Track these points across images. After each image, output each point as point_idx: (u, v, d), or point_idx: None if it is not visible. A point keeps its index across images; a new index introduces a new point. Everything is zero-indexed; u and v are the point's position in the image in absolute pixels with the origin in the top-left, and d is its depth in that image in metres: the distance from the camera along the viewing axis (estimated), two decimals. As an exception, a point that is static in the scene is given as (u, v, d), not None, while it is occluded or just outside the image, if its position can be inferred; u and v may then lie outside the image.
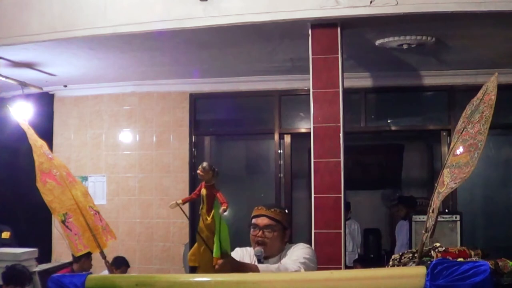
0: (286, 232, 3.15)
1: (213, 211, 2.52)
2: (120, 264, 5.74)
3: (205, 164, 2.56)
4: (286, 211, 3.39)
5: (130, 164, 7.18)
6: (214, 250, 2.49)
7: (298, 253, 3.02)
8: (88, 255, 4.89)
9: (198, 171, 2.54)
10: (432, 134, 7.62)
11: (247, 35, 5.08)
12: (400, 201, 7.64)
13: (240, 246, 3.20)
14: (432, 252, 2.36)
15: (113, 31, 4.93)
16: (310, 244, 4.31)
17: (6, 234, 6.04)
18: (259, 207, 3.17)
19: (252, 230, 3.08)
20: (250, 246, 3.18)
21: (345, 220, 4.74)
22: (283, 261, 2.99)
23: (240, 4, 4.66)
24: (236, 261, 2.72)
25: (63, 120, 7.40)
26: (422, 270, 1.99)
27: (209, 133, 7.77)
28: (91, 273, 2.30)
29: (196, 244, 2.57)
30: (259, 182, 8.36)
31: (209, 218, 2.51)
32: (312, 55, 4.73)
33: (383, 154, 8.79)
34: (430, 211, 2.32)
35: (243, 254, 3.14)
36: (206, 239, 2.51)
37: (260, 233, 3.05)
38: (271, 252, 3.04)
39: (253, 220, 3.11)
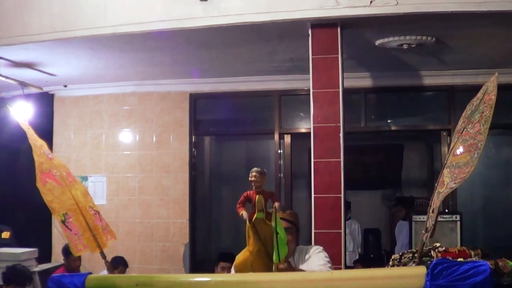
0: (299, 234, 3.14)
1: (273, 216, 2.41)
2: (118, 264, 5.73)
3: (256, 169, 2.44)
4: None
5: (130, 164, 7.18)
6: (275, 255, 2.42)
7: (320, 256, 3.03)
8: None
9: (253, 178, 2.39)
10: (432, 134, 7.61)
11: (247, 35, 5.08)
12: (399, 201, 7.61)
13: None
14: (432, 252, 2.36)
15: (113, 31, 4.93)
16: (310, 243, 4.31)
17: (6, 234, 6.04)
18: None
19: None
20: None
21: (345, 220, 4.74)
22: (307, 266, 2.97)
23: (240, 4, 4.66)
24: (291, 265, 2.70)
25: (63, 120, 7.40)
26: (422, 270, 1.99)
27: (209, 133, 7.78)
28: (91, 273, 2.31)
29: (244, 255, 2.46)
30: (259, 182, 8.33)
31: (269, 222, 2.42)
32: (312, 55, 4.72)
33: (383, 154, 8.78)
34: (430, 211, 2.32)
35: None
36: (266, 245, 2.40)
37: None
38: (288, 255, 2.94)
39: None
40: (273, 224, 2.42)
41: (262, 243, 2.41)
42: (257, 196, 2.42)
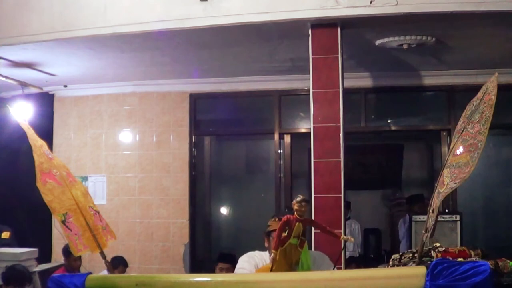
0: None
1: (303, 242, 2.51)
2: (118, 264, 5.73)
3: (303, 197, 2.53)
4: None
5: (130, 164, 7.18)
6: None
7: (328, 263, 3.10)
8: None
9: (303, 208, 2.48)
10: (432, 134, 7.62)
11: (247, 35, 5.08)
12: (409, 202, 6.91)
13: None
14: (432, 252, 2.35)
15: (113, 31, 4.93)
16: (310, 244, 4.31)
17: (6, 234, 6.03)
18: (276, 219, 3.18)
19: None
20: (252, 248, 3.18)
21: (345, 220, 4.74)
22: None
23: (240, 4, 4.66)
24: None
25: (63, 120, 7.40)
26: (422, 270, 1.99)
27: (209, 133, 7.78)
28: (91, 273, 2.31)
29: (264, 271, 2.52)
30: (259, 182, 8.35)
31: (300, 249, 2.51)
32: (312, 55, 4.72)
33: (383, 154, 8.79)
34: (430, 211, 2.32)
35: (259, 259, 3.16)
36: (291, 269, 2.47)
37: None
38: None
39: None
40: (302, 254, 2.51)
41: (289, 266, 2.46)
42: (297, 224, 2.48)
